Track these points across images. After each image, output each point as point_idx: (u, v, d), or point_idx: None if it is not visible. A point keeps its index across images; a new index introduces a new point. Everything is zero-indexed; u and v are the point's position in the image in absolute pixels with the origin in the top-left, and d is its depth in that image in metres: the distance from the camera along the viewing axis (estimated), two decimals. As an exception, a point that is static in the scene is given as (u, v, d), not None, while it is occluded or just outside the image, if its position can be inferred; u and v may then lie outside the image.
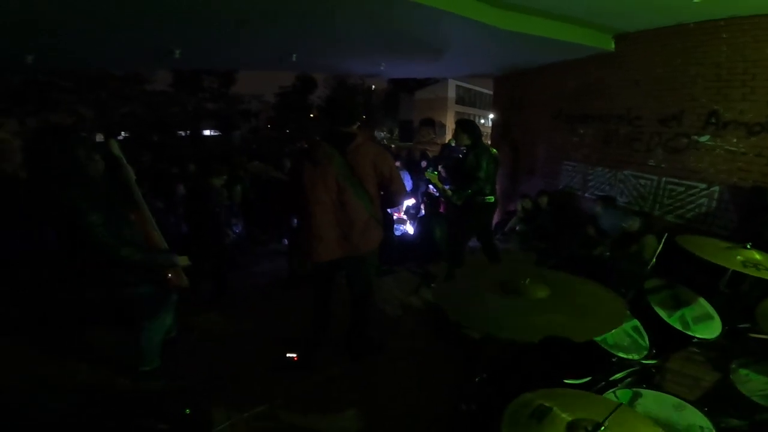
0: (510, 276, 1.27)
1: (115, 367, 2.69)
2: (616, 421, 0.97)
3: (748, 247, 1.72)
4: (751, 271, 1.55)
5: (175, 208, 5.18)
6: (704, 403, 1.48)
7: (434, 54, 5.16)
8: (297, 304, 3.10)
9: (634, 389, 1.42)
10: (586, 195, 5.29)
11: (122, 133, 13.66)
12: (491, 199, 3.70)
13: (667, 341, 1.75)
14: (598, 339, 1.64)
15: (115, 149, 2.47)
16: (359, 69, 7.05)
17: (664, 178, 4.31)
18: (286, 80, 15.88)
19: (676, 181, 4.19)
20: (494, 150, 3.79)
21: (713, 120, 3.80)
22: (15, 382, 2.55)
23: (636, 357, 1.67)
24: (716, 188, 3.86)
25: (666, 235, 2.01)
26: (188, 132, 15.02)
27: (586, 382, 1.56)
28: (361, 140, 2.38)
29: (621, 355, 1.64)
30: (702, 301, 1.91)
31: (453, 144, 4.10)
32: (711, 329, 1.80)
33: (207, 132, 17.17)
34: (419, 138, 19.14)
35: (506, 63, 5.98)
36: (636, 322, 1.81)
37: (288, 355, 2.97)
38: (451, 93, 20.81)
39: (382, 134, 20.91)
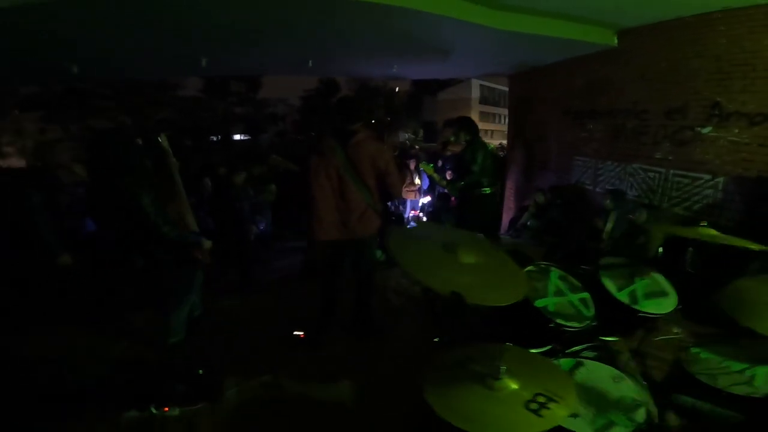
0: (452, 239, 1.47)
1: (148, 342, 3.09)
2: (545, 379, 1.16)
3: (705, 224, 1.82)
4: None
5: (203, 204, 5.59)
6: (667, 381, 1.61)
7: (441, 56, 5.34)
8: (310, 292, 3.39)
9: (578, 359, 1.55)
10: (597, 189, 5.32)
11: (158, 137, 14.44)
12: (488, 190, 3.86)
13: (614, 314, 1.85)
14: (539, 304, 1.80)
15: (165, 143, 2.93)
16: (373, 71, 7.31)
17: (671, 171, 4.32)
18: (311, 83, 16.34)
19: (682, 173, 4.20)
20: (492, 145, 3.95)
21: (716, 111, 3.81)
22: (64, 353, 2.96)
23: (576, 325, 1.78)
24: (721, 179, 3.86)
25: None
26: (219, 136, 15.74)
27: (545, 351, 1.72)
28: (362, 137, 2.65)
29: (560, 321, 1.76)
30: (658, 277, 2.00)
31: (453, 140, 4.28)
32: (663, 305, 1.87)
33: (237, 136, 17.86)
34: (442, 139, 19.20)
35: (515, 62, 6.08)
36: (586, 295, 1.91)
37: (295, 333, 3.27)
38: (475, 93, 20.79)
39: (407, 135, 21.09)
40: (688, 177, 4.15)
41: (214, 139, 15.27)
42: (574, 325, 1.75)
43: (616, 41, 4.66)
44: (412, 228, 2.31)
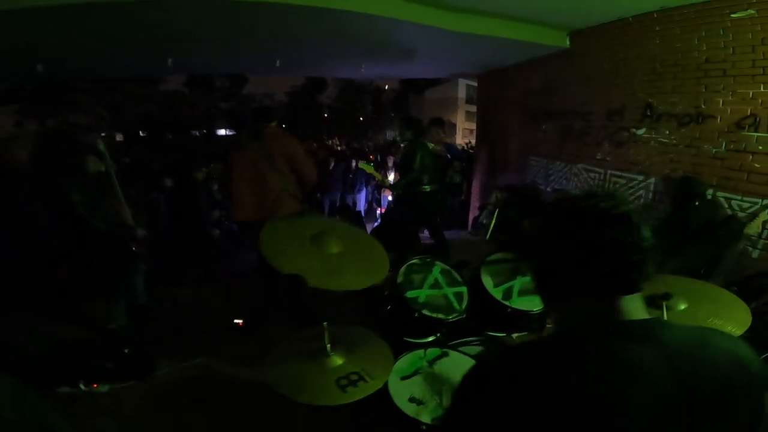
0: (319, 230, 1.62)
1: (90, 327, 3.23)
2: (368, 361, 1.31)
3: None
4: None
5: (164, 201, 5.70)
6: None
7: (403, 57, 5.48)
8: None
9: (446, 350, 1.65)
10: (548, 189, 5.50)
11: (140, 132, 14.41)
12: (428, 188, 4.02)
13: (488, 309, 1.94)
14: (409, 295, 1.92)
15: (101, 146, 3.16)
16: (342, 71, 7.45)
17: (609, 171, 4.51)
18: (298, 80, 16.41)
19: (619, 173, 4.39)
20: (432, 145, 4.11)
21: (649, 113, 3.99)
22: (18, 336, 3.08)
23: (443, 317, 1.88)
24: (652, 180, 4.05)
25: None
26: (203, 131, 15.75)
27: (426, 341, 1.85)
28: (272, 132, 3.07)
29: (425, 312, 1.87)
30: None
31: (398, 139, 4.43)
32: (537, 302, 1.91)
33: (222, 131, 17.85)
34: (429, 138, 19.35)
35: (480, 63, 6.24)
36: (463, 289, 2.01)
37: (235, 321, 3.42)
38: (461, 92, 20.94)
39: (394, 133, 21.16)
40: (624, 177, 4.34)
41: (197, 134, 15.30)
42: (440, 316, 1.85)
43: (568, 43, 4.83)
44: (293, 218, 2.45)
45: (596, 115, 4.61)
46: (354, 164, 8.69)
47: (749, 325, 1.47)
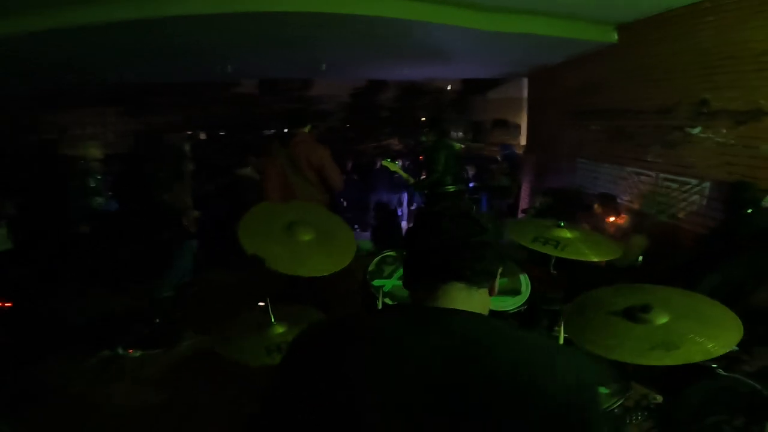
0: (293, 218, 1.74)
1: (142, 297, 3.67)
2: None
3: (561, 225, 1.84)
4: (537, 246, 1.71)
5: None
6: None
7: (441, 59, 5.48)
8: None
9: None
10: (595, 193, 5.14)
11: (220, 132, 15.74)
12: (452, 188, 4.00)
13: None
14: (375, 283, 1.94)
15: (185, 146, 3.75)
16: (384, 74, 7.60)
17: (660, 174, 4.13)
18: (361, 82, 16.87)
19: (671, 177, 4.00)
20: (458, 145, 4.08)
21: (703, 110, 3.60)
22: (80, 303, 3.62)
23: None
24: (707, 184, 3.65)
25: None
26: (273, 131, 16.84)
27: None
28: (299, 140, 3.18)
29: (387, 301, 1.87)
30: (522, 278, 2.01)
31: (424, 140, 4.44)
32: (506, 303, 1.89)
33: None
34: (491, 139, 18.81)
35: (525, 62, 6.01)
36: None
37: (259, 303, 3.69)
38: (525, 92, 19.89)
39: (458, 135, 20.95)
40: (676, 181, 3.95)
41: (268, 133, 16.39)
42: None
43: (615, 37, 4.50)
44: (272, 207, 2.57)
45: (646, 114, 4.24)
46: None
47: (733, 347, 1.33)
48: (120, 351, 3.00)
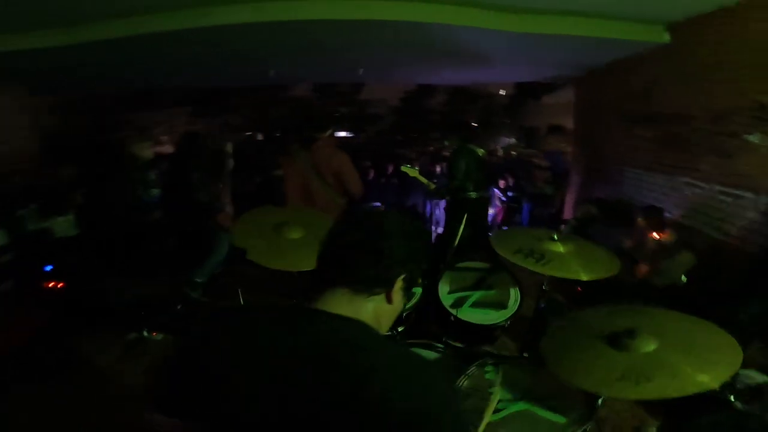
0: (287, 220, 1.78)
1: (177, 284, 3.92)
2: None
3: (555, 237, 1.69)
4: (517, 259, 1.59)
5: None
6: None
7: (479, 63, 5.35)
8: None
9: None
10: (643, 205, 4.75)
11: (276, 133, 16.50)
12: (473, 195, 3.87)
13: (432, 312, 1.85)
14: None
15: (228, 147, 4.10)
16: (421, 78, 7.56)
17: (714, 187, 3.72)
18: (410, 87, 16.94)
19: (726, 189, 3.59)
20: (481, 151, 3.95)
21: (763, 115, 3.20)
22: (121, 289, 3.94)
23: None
24: (765, 199, 3.23)
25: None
26: (294, 135, 17.39)
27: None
28: (320, 144, 3.22)
29: None
30: (512, 291, 1.86)
31: (447, 144, 4.33)
32: (487, 317, 1.77)
33: (342, 133, 19.43)
34: (546, 146, 18.04)
35: (573, 65, 5.70)
36: (416, 290, 1.87)
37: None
38: (582, 97, 18.75)
39: (508, 140, 20.45)
40: (730, 195, 3.54)
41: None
42: None
43: (667, 37, 4.13)
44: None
45: (700, 120, 3.84)
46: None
47: (726, 380, 1.17)
48: (145, 333, 3.22)
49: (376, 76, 7.34)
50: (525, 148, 18.82)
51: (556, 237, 1.65)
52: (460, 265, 1.94)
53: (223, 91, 15.58)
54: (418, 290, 1.83)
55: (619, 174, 5.26)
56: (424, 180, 4.16)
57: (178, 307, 3.37)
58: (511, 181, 7.98)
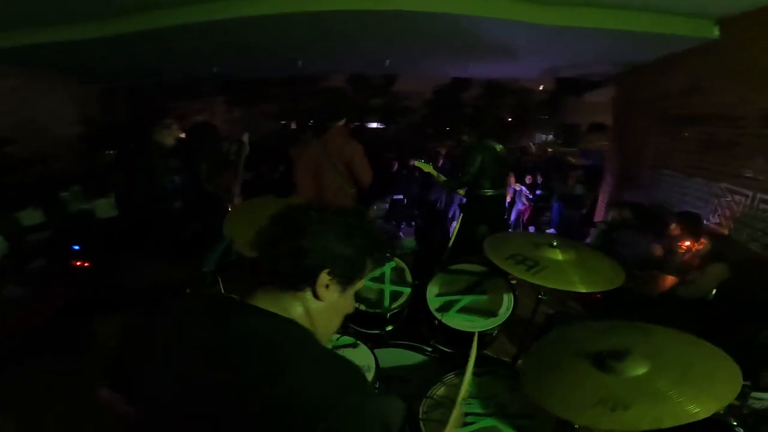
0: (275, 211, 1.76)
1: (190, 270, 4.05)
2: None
3: (554, 244, 1.56)
4: (508, 265, 1.46)
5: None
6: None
7: (511, 57, 5.14)
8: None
9: (358, 341, 1.60)
10: (680, 210, 4.43)
11: (309, 122, 16.76)
12: (490, 192, 3.73)
13: (418, 315, 1.78)
14: None
15: (244, 138, 3.93)
16: (448, 71, 7.37)
17: (758, 195, 3.40)
18: (444, 79, 16.60)
19: (771, 198, 3.28)
20: (499, 147, 3.78)
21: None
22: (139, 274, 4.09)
23: (362, 308, 1.78)
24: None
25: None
26: (356, 123, 17.48)
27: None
28: (333, 133, 3.25)
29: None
30: (506, 298, 1.73)
31: (465, 139, 4.18)
32: (473, 323, 1.67)
33: (374, 125, 19.42)
34: (586, 144, 17.29)
35: (612, 61, 5.36)
36: (404, 290, 1.84)
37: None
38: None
39: (544, 137, 19.83)
40: (777, 204, 3.23)
41: (353, 126, 17.04)
42: (361, 307, 1.77)
43: (716, 33, 3.79)
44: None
45: (749, 121, 3.51)
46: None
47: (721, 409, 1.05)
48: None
49: (408, 69, 7.23)
50: (563, 146, 18.13)
51: (555, 244, 1.53)
52: (455, 267, 1.85)
53: (258, 81, 15.93)
54: (406, 290, 1.81)
55: (656, 176, 4.93)
56: (436, 174, 4.05)
57: (187, 291, 3.45)
58: (540, 179, 7.69)
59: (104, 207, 5.63)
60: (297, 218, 0.85)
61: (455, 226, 2.15)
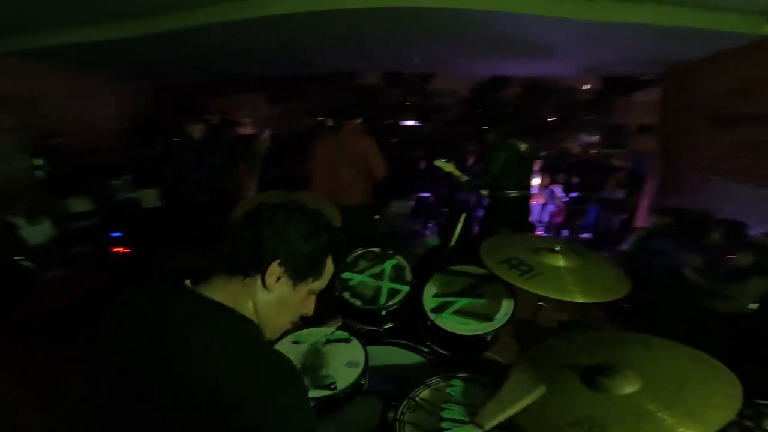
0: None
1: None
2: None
3: (557, 249, 1.45)
4: (500, 269, 1.36)
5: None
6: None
7: (543, 54, 4.94)
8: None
9: (352, 337, 1.59)
10: (727, 218, 4.10)
11: (343, 119, 16.98)
12: (513, 193, 3.60)
13: (412, 314, 1.75)
14: (344, 276, 1.84)
15: (265, 134, 4.08)
16: (484, 69, 7.18)
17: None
18: (482, 78, 16.23)
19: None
20: (523, 146, 3.63)
21: None
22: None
23: (358, 304, 1.76)
24: None
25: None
26: (390, 121, 17.49)
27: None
28: (348, 128, 3.33)
29: (344, 295, 1.78)
30: (504, 303, 1.64)
31: (489, 138, 4.04)
32: (467, 327, 1.59)
33: (410, 122, 19.39)
34: (634, 146, 16.40)
35: (657, 60, 5.04)
36: (402, 288, 1.81)
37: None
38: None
39: (589, 138, 18.95)
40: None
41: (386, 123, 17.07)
42: (356, 303, 1.76)
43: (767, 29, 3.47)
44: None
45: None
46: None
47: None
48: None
49: (443, 67, 7.13)
50: (608, 148, 17.26)
51: (558, 248, 1.45)
52: (456, 268, 1.80)
53: (297, 78, 16.32)
54: (404, 288, 1.78)
55: (702, 182, 4.59)
56: (458, 174, 3.95)
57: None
58: (575, 180, 7.37)
59: (149, 197, 5.95)
60: (264, 211, 0.87)
61: (458, 227, 2.08)
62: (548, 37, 4.26)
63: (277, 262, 0.84)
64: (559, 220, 7.13)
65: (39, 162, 5.45)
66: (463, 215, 2.07)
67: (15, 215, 4.23)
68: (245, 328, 0.81)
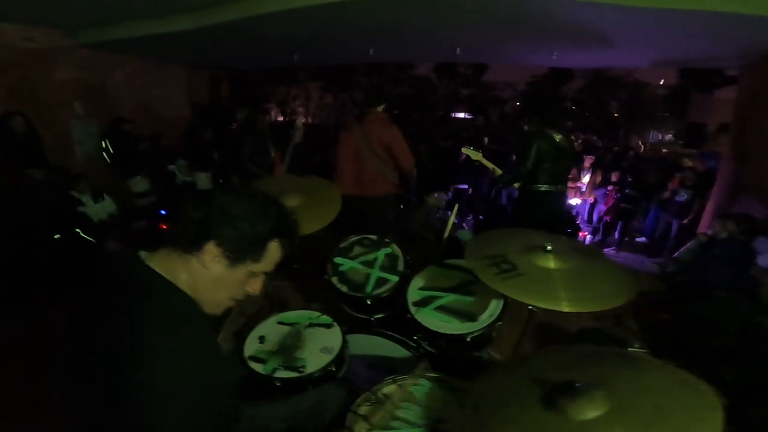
0: (284, 188, 1.82)
1: None
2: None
3: (547, 248, 1.32)
4: (479, 267, 1.27)
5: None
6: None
7: (600, 42, 4.57)
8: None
9: (333, 322, 1.60)
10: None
11: (395, 111, 17.04)
12: (544, 188, 3.36)
13: (399, 307, 1.71)
14: (336, 261, 1.83)
15: (298, 123, 4.33)
16: (529, 58, 6.77)
17: None
18: (541, 70, 15.50)
19: None
20: (559, 137, 3.36)
21: None
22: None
23: (345, 290, 1.73)
24: None
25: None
26: (441, 113, 17.32)
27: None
28: (372, 118, 3.27)
29: (333, 280, 1.78)
30: (493, 303, 1.52)
31: (526, 129, 3.80)
32: (448, 325, 1.51)
33: (462, 115, 19.06)
34: (715, 146, 14.82)
35: (737, 49, 4.47)
36: (391, 278, 1.75)
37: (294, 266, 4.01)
38: None
39: (660, 137, 17.69)
40: None
41: (438, 115, 16.85)
42: (343, 288, 1.74)
43: None
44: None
45: None
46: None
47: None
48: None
49: (492, 58, 6.85)
50: (684, 147, 15.77)
51: (549, 248, 1.32)
52: (451, 261, 1.72)
53: (350, 68, 16.51)
54: (393, 278, 1.74)
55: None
56: (489, 165, 3.77)
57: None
58: (629, 179, 6.83)
59: (204, 180, 6.38)
60: (217, 194, 0.93)
61: (451, 219, 1.95)
62: (601, 25, 3.93)
63: (215, 242, 0.88)
64: (608, 218, 6.65)
65: (106, 145, 6.00)
66: (456, 206, 1.97)
67: (81, 192, 4.70)
68: (169, 297, 0.86)
